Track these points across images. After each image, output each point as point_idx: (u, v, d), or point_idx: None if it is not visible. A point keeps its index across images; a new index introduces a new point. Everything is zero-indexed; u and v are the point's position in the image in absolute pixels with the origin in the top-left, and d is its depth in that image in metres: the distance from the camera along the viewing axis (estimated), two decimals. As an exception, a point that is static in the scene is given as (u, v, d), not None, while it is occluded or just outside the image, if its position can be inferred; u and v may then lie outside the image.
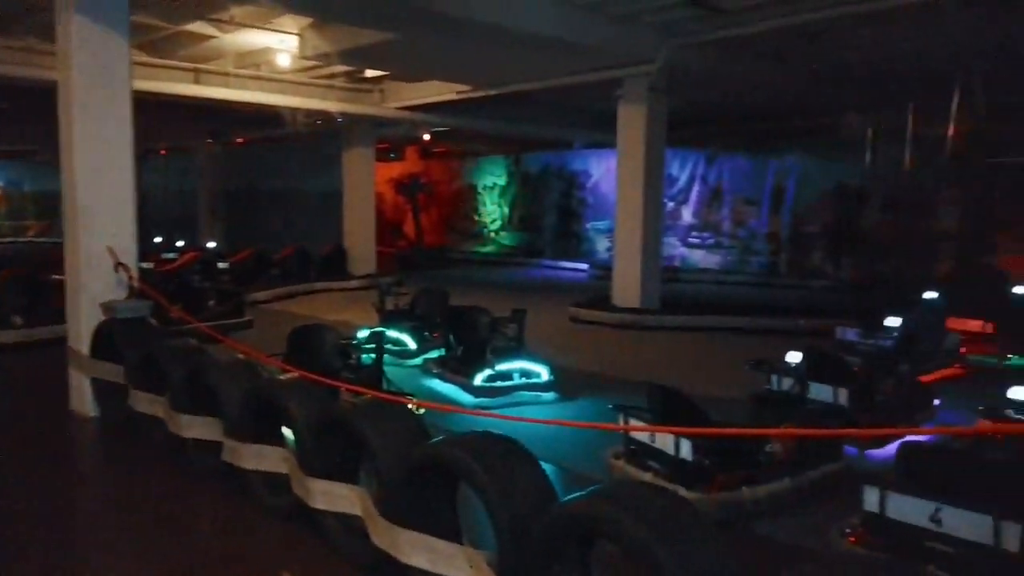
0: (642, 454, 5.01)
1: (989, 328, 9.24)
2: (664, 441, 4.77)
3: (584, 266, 20.66)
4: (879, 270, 15.26)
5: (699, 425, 4.77)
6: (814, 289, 17.24)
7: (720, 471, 4.62)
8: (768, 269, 19.04)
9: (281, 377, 4.75)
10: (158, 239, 18.33)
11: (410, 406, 6.06)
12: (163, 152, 26.01)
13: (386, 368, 7.16)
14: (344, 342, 6.57)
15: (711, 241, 20.04)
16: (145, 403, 5.89)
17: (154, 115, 18.25)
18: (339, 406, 4.18)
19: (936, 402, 6.55)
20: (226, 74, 13.69)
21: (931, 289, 9.91)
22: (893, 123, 15.34)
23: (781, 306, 12.73)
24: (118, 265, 6.53)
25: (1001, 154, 12.91)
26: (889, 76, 13.23)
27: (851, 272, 17.70)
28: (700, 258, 20.06)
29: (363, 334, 8.83)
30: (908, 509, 3.64)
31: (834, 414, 5.63)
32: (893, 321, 7.65)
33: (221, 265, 14.89)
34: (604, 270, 19.37)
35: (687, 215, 20.30)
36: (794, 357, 6.03)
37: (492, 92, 13.72)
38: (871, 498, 3.79)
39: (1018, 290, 10.10)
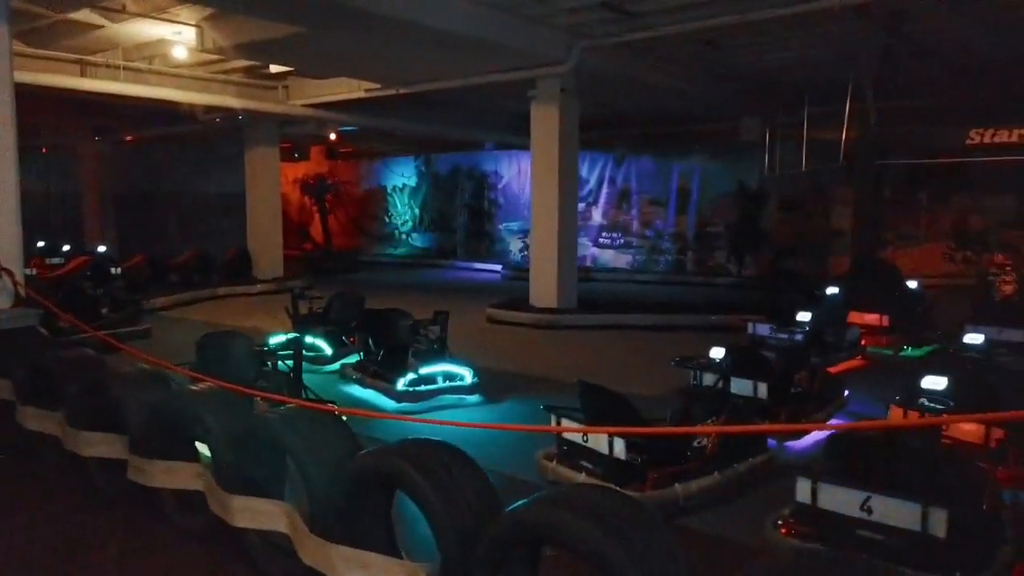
0: (574, 454, 4.97)
1: (885, 321, 9.75)
2: (597, 441, 4.74)
3: (498, 267, 20.64)
4: (780, 267, 15.94)
5: (631, 423, 4.78)
6: (719, 286, 17.86)
7: (652, 468, 4.63)
8: (675, 267, 19.58)
9: (193, 387, 4.41)
10: (41, 244, 17.01)
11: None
12: (43, 151, 24.20)
13: (304, 374, 6.87)
14: (258, 349, 6.22)
15: (620, 241, 20.43)
16: (36, 420, 5.39)
17: (34, 110, 17.01)
18: (261, 417, 3.92)
19: (846, 393, 6.83)
20: (116, 67, 12.83)
21: (830, 285, 10.39)
22: (788, 127, 16.07)
23: (691, 303, 13.10)
24: (1, 270, 5.96)
25: (889, 156, 13.72)
26: (785, 82, 13.85)
27: (754, 269, 18.45)
28: (610, 258, 20.43)
29: (276, 340, 8.47)
30: (839, 499, 3.71)
31: (755, 407, 5.76)
32: (803, 316, 7.95)
33: (113, 271, 13.96)
34: (518, 271, 19.44)
35: (597, 216, 20.62)
36: (717, 353, 6.14)
37: (403, 91, 13.47)
38: (803, 489, 3.86)
39: (911, 284, 10.71)
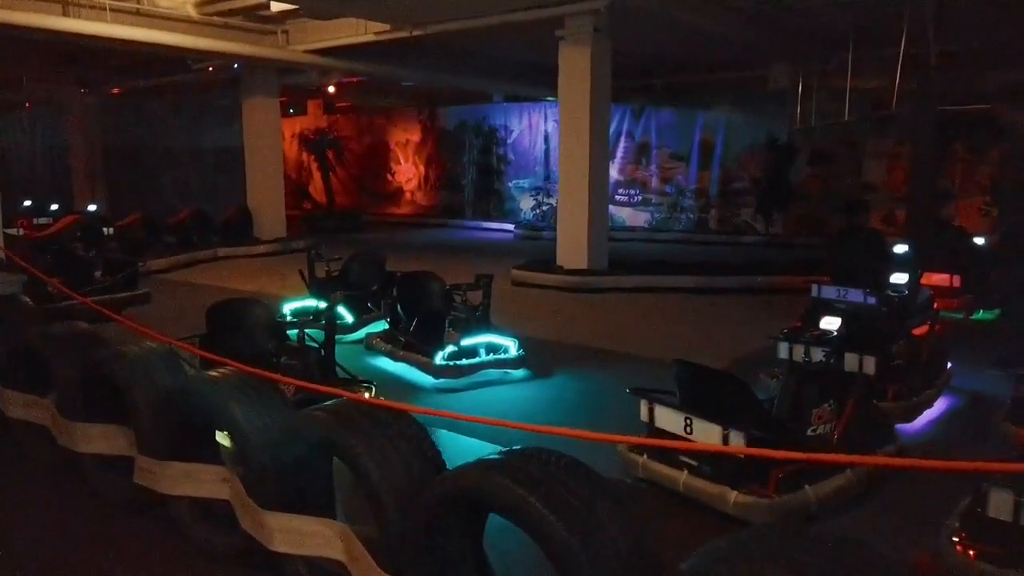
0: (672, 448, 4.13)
1: (956, 282, 8.93)
2: (706, 432, 3.89)
3: (510, 226, 19.66)
4: (852, 223, 14.84)
5: (751, 411, 3.93)
6: (745, 245, 16.97)
7: (776, 466, 3.80)
8: (697, 226, 18.65)
9: (213, 372, 3.54)
10: (28, 203, 15.94)
11: (367, 395, 4.99)
12: (28, 105, 22.93)
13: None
14: (281, 320, 5.34)
15: (639, 198, 19.45)
16: (22, 407, 4.53)
17: (15, 60, 15.80)
18: (307, 415, 3.06)
19: (948, 365, 6.01)
20: (101, 6, 11.67)
21: (898, 243, 9.52)
22: (823, 75, 15.02)
23: (732, 263, 12.23)
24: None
25: (948, 103, 12.72)
26: (826, 24, 12.77)
27: (781, 227, 17.56)
28: (627, 216, 19.45)
29: (292, 307, 7.61)
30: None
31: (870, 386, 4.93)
32: (898, 278, 7.10)
33: (106, 231, 12.98)
34: (531, 230, 18.50)
35: (613, 172, 19.56)
36: (831, 323, 5.28)
37: (416, 32, 12.33)
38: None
39: (978, 241, 9.87)
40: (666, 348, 7.18)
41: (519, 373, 6.45)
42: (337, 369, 5.30)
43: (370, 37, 12.93)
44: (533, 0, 10.57)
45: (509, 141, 21.11)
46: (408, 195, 23.30)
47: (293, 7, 12.13)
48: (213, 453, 3.59)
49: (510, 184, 21.14)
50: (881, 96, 14.11)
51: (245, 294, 10.05)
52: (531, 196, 20.40)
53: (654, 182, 19.27)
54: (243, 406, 3.20)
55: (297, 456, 3.05)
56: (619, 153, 19.35)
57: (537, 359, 6.69)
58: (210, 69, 15.95)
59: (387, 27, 12.59)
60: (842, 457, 3.75)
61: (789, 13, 12.17)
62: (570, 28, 10.90)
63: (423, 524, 2.60)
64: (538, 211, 19.98)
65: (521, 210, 20.69)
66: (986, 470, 2.84)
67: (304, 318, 5.35)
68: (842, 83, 13.54)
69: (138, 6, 12.28)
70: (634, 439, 3.36)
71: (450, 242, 17.84)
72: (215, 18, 13.25)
